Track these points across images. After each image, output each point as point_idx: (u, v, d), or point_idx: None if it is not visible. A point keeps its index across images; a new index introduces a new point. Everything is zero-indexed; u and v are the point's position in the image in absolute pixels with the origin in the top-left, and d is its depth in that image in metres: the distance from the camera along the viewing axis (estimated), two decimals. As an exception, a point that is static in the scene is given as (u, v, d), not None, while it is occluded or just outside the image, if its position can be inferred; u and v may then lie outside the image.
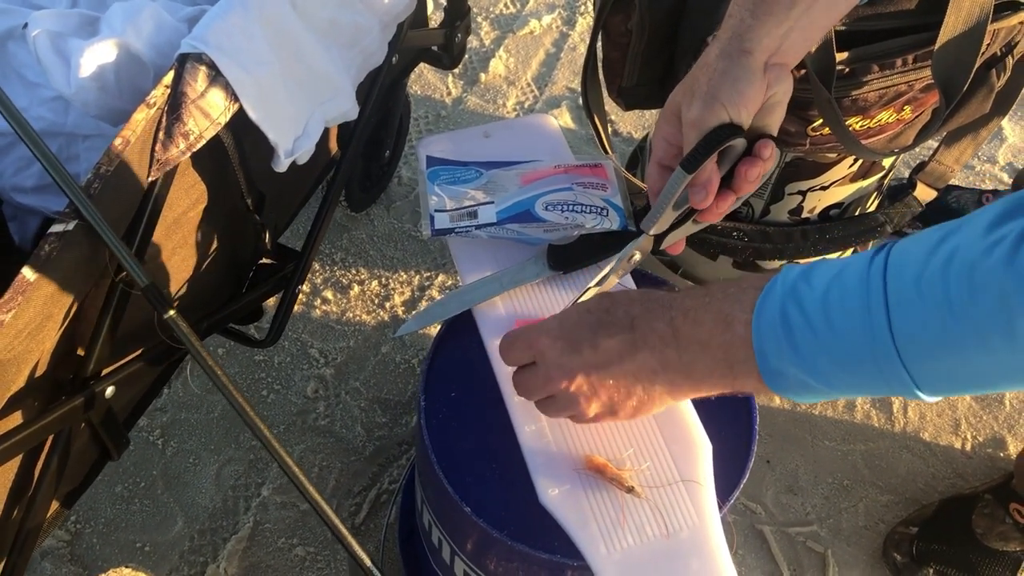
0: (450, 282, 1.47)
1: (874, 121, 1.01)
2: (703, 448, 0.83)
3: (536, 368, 0.73)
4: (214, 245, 0.92)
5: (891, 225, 1.25)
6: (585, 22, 1.83)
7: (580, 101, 1.70)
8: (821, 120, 0.98)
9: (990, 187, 1.60)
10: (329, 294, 1.43)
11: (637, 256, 0.82)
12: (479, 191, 0.96)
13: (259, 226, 0.94)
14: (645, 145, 1.44)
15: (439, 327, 0.91)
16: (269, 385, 1.34)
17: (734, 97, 0.74)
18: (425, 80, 1.72)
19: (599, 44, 1.09)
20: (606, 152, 1.16)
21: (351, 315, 1.42)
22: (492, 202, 0.94)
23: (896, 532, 1.26)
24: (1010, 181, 1.62)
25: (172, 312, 0.74)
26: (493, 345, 0.88)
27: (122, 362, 0.82)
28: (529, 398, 0.77)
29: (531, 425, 0.83)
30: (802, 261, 1.32)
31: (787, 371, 0.61)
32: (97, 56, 0.77)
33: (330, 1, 0.87)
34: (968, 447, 1.37)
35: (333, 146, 1.15)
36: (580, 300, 0.81)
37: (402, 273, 1.47)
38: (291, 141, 0.85)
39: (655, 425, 0.84)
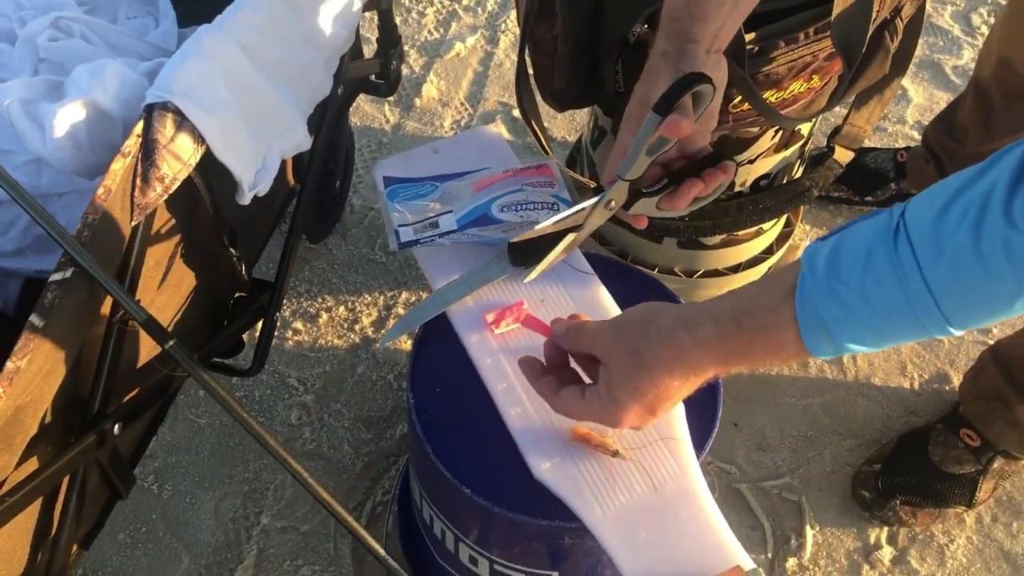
0: (413, 298, 1.53)
1: (787, 92, 1.10)
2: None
3: (591, 400, 0.79)
4: (195, 281, 0.97)
5: (817, 188, 1.34)
6: (507, 40, 1.91)
7: (513, 114, 1.79)
8: (740, 97, 1.07)
9: (902, 145, 1.72)
10: (299, 324, 1.48)
11: (614, 204, 0.88)
12: (437, 203, 1.02)
13: (235, 259, 0.99)
14: (580, 146, 1.52)
15: (416, 332, 0.97)
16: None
17: (695, 66, 0.84)
18: (363, 111, 1.78)
19: (527, 54, 1.16)
20: (547, 153, 1.24)
21: (323, 341, 1.47)
22: (451, 211, 1.00)
23: (861, 472, 1.35)
24: (920, 137, 1.73)
25: (172, 342, 0.79)
26: (470, 340, 0.94)
27: (125, 399, 0.87)
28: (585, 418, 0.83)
29: (515, 408, 0.90)
30: (740, 234, 1.41)
31: (839, 351, 0.69)
32: (69, 116, 0.82)
33: (275, 43, 0.93)
34: (916, 385, 1.46)
35: (290, 178, 1.21)
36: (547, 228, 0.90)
37: (366, 296, 1.53)
38: (252, 175, 0.91)
39: (629, 392, 0.91)
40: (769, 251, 1.52)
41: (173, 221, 0.90)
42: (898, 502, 1.30)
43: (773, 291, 0.72)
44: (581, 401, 0.81)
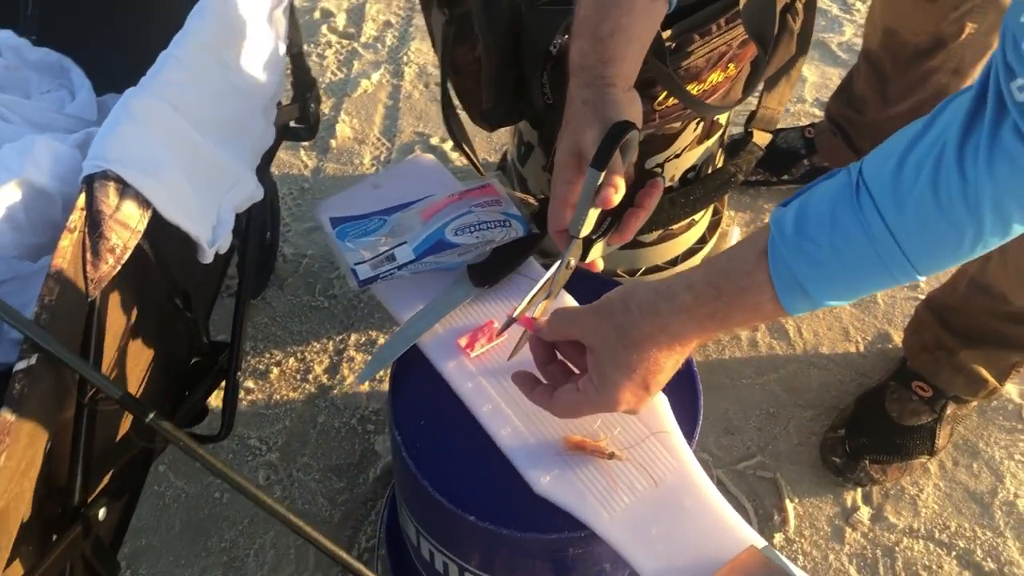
0: (363, 339, 1.51)
1: (707, 84, 1.14)
2: (660, 400, 0.91)
3: (586, 388, 0.80)
4: (155, 351, 0.94)
5: (741, 173, 1.38)
6: (411, 71, 1.92)
7: (431, 142, 1.79)
8: (665, 93, 1.10)
9: (807, 122, 1.78)
10: (251, 383, 1.44)
11: (573, 262, 0.89)
12: (389, 236, 1.01)
13: (191, 323, 0.97)
14: (507, 164, 1.53)
15: (390, 368, 0.96)
16: (219, 487, 1.34)
17: (619, 111, 0.86)
18: (280, 159, 1.76)
19: (449, 79, 1.17)
20: (481, 175, 1.24)
21: (278, 397, 1.43)
22: (405, 242, 1.00)
23: (828, 439, 1.39)
24: (822, 113, 1.80)
25: (152, 415, 0.76)
26: (446, 367, 0.94)
27: (105, 482, 0.83)
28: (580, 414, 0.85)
29: (504, 428, 0.89)
30: (675, 227, 1.45)
31: (815, 307, 0.72)
32: (4, 198, 0.78)
33: (207, 98, 0.92)
34: (861, 348, 1.52)
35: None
36: (524, 309, 0.88)
37: (315, 343, 1.50)
38: (209, 231, 0.88)
39: (612, 394, 0.91)
40: (703, 240, 1.55)
41: (127, 291, 0.87)
42: (867, 462, 1.34)
43: (746, 256, 0.75)
44: (576, 394, 0.82)
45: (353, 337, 1.51)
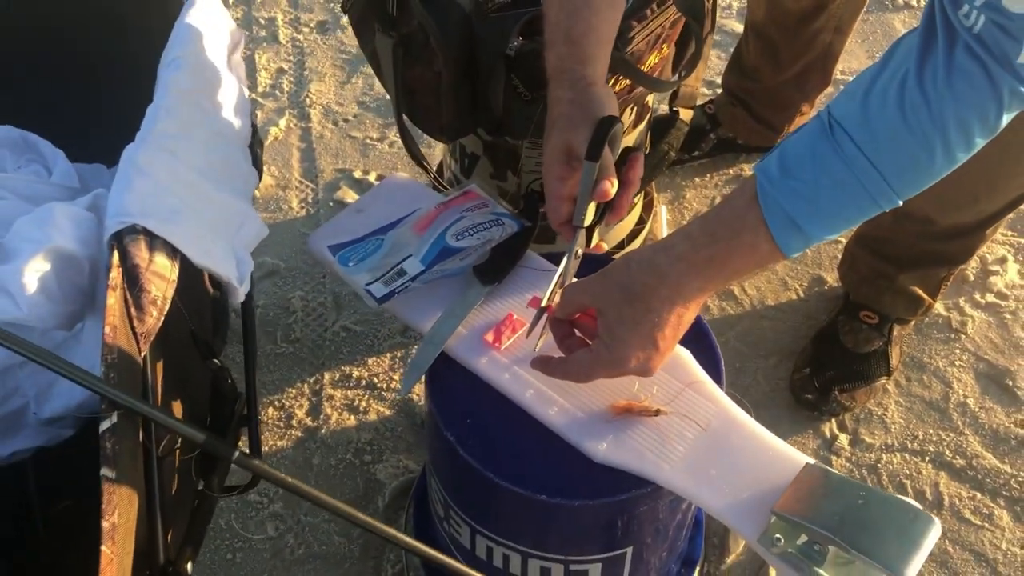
0: (337, 375, 1.50)
1: (647, 66, 1.21)
2: (684, 354, 0.97)
3: (597, 348, 0.85)
4: (187, 400, 0.93)
5: (673, 151, 1.47)
6: (316, 112, 1.93)
7: (354, 176, 1.80)
8: (614, 79, 1.17)
9: (703, 100, 1.90)
10: (236, 440, 1.41)
11: (580, 251, 0.94)
12: (390, 253, 1.03)
13: (220, 370, 0.96)
14: (441, 181, 1.57)
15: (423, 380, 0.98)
16: (230, 546, 1.30)
17: (603, 108, 0.92)
18: (204, 219, 1.73)
19: (404, 100, 1.20)
20: (444, 188, 1.28)
21: (267, 448, 1.41)
22: (410, 255, 1.02)
23: (796, 380, 1.49)
24: (712, 93, 1.93)
25: (237, 453, 0.76)
26: (479, 364, 0.97)
27: (187, 533, 0.82)
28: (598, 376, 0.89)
29: (551, 408, 0.93)
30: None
31: (808, 243, 0.79)
32: (36, 270, 0.77)
33: (198, 145, 0.92)
34: (801, 294, 1.63)
35: (208, 287, 1.17)
36: (548, 299, 0.92)
37: (289, 389, 1.48)
38: (235, 270, 0.89)
39: (640, 357, 0.96)
40: (641, 222, 1.64)
41: (162, 343, 0.86)
42: (836, 392, 1.44)
43: (736, 203, 0.82)
44: (589, 355, 0.87)
45: (327, 376, 1.50)
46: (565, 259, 0.94)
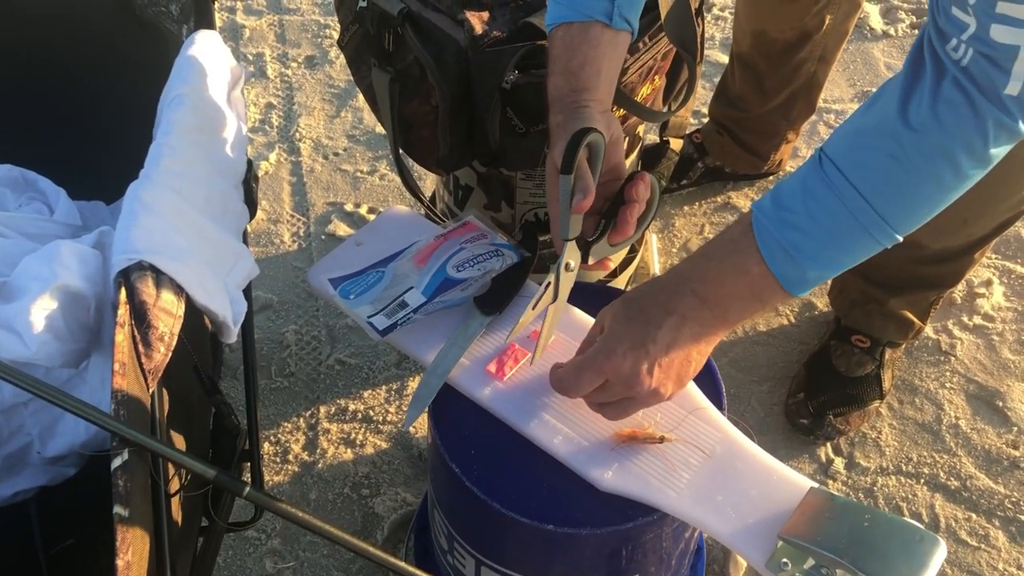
0: (332, 409, 1.50)
1: (639, 97, 1.23)
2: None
3: (612, 386, 0.85)
4: (191, 436, 0.92)
5: (664, 180, 1.49)
6: (306, 146, 1.94)
7: (346, 209, 1.81)
8: (614, 109, 1.18)
9: (691, 129, 1.93)
10: (233, 476, 1.41)
11: (573, 264, 0.95)
12: (392, 286, 1.04)
13: (223, 405, 0.95)
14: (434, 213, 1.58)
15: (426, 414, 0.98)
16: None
17: (586, 122, 0.94)
18: (196, 254, 1.73)
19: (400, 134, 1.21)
20: (441, 220, 1.29)
21: (264, 483, 1.40)
22: (412, 287, 1.03)
23: (791, 405, 1.50)
24: (698, 122, 1.96)
25: (248, 488, 0.75)
26: (483, 395, 0.97)
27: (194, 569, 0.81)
28: (620, 417, 0.89)
29: (556, 437, 0.93)
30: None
31: (806, 276, 0.80)
32: (43, 308, 0.77)
33: (199, 181, 0.93)
34: (793, 320, 1.65)
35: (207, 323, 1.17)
36: (535, 303, 0.94)
37: (285, 424, 1.48)
38: (229, 310, 0.89)
39: (643, 385, 0.97)
40: (632, 251, 1.65)
41: (168, 379, 0.86)
42: (831, 416, 1.46)
43: (733, 229, 0.84)
44: (579, 357, 0.88)
45: (323, 410, 1.50)
46: (553, 270, 0.95)
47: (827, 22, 1.54)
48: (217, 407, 0.96)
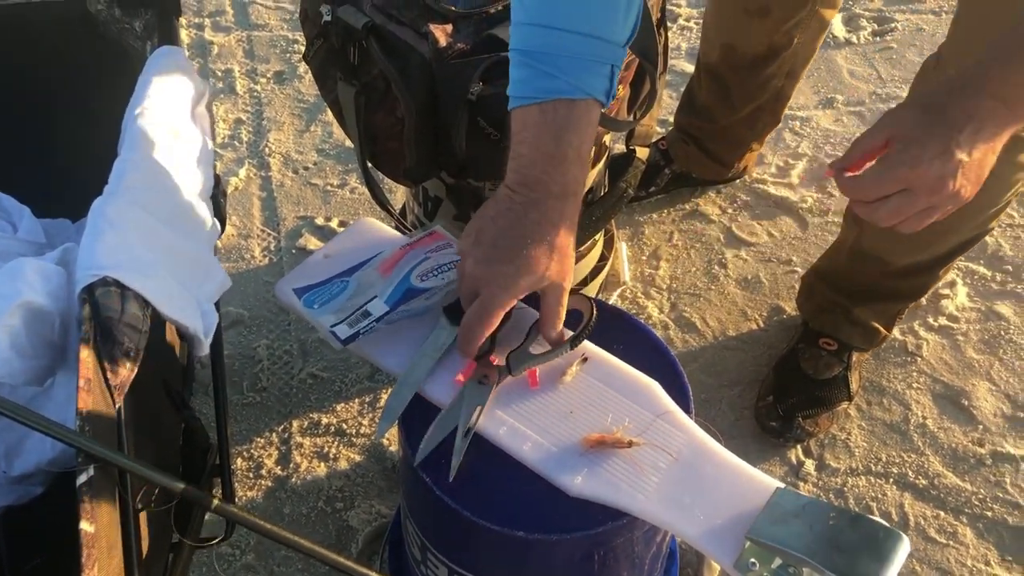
0: (305, 423, 1.50)
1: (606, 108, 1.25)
2: (654, 386, 0.99)
3: (915, 196, 0.82)
4: (160, 452, 0.92)
5: (631, 188, 1.51)
6: (276, 161, 1.94)
7: (316, 223, 1.81)
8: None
9: (656, 137, 1.95)
10: (205, 492, 1.40)
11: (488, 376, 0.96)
12: (355, 295, 1.04)
13: (193, 420, 0.95)
14: (408, 225, 1.59)
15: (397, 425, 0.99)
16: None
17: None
18: (166, 270, 1.72)
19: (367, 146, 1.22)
20: (410, 231, 1.29)
21: (237, 498, 1.39)
22: (375, 296, 1.03)
23: (760, 408, 1.51)
24: (664, 130, 1.98)
25: (216, 501, 0.75)
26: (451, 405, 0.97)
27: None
28: (917, 228, 0.86)
29: (525, 444, 0.94)
30: (582, 249, 1.54)
31: None
32: (6, 326, 0.77)
33: (165, 197, 0.93)
34: (762, 324, 1.67)
35: (174, 339, 1.17)
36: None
37: (258, 439, 1.47)
38: (200, 323, 0.89)
39: (611, 392, 0.98)
40: (603, 259, 1.66)
41: (135, 394, 0.86)
42: (800, 419, 1.47)
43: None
44: (881, 162, 0.83)
45: (295, 424, 1.50)
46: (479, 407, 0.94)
47: (796, 40, 1.57)
48: (187, 422, 0.96)
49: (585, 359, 1.01)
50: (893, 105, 1.33)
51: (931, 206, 0.84)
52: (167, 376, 0.95)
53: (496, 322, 0.91)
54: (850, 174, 0.86)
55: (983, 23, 1.09)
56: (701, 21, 1.78)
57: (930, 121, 0.82)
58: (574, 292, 1.03)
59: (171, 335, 1.17)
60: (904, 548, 0.82)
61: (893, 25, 2.26)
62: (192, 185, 1.00)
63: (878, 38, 2.25)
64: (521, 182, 0.89)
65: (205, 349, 0.89)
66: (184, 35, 2.25)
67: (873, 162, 0.86)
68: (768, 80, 1.63)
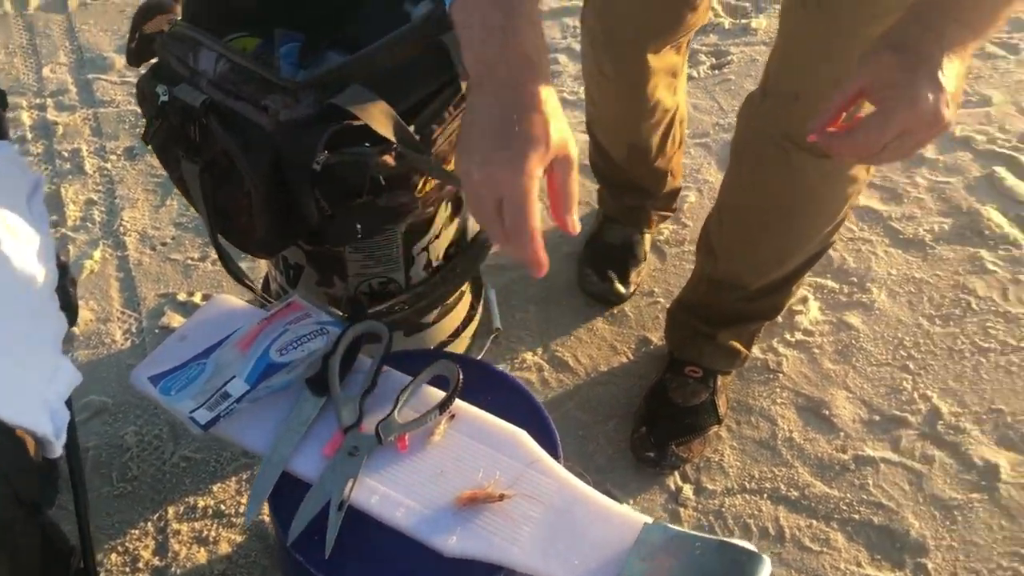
0: (181, 509, 1.45)
1: (452, 164, 1.27)
2: (520, 435, 1.01)
3: (915, 133, 0.84)
4: (22, 563, 0.88)
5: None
6: (132, 239, 1.89)
7: (178, 299, 1.77)
8: (423, 180, 1.22)
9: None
10: None
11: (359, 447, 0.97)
12: (213, 377, 1.03)
13: (50, 526, 0.91)
14: (270, 293, 1.57)
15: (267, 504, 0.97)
16: None
17: None
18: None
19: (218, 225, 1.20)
20: (270, 302, 1.28)
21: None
22: (234, 376, 1.02)
23: (635, 440, 1.55)
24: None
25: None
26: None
27: None
28: (910, 156, 0.89)
29: (397, 510, 0.94)
30: (449, 301, 1.56)
31: None
32: None
33: (2, 300, 0.89)
34: (631, 356, 1.71)
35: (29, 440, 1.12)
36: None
37: (132, 531, 1.42)
38: (49, 424, 0.86)
39: (480, 446, 0.99)
40: (472, 308, 1.68)
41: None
42: (673, 447, 1.52)
43: None
44: (875, 114, 0.85)
45: (171, 510, 1.45)
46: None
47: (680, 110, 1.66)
48: (43, 528, 0.92)
49: (452, 416, 1.02)
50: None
51: (925, 138, 0.87)
52: (18, 483, 0.90)
53: (534, 207, 0.81)
54: (832, 129, 0.89)
55: (803, 51, 1.18)
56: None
57: (908, 61, 0.84)
58: (439, 355, 1.05)
59: (22, 436, 1.12)
60: (766, 569, 0.86)
61: (729, 58, 2.39)
62: (32, 281, 0.96)
63: (716, 71, 2.37)
64: (482, 70, 0.85)
65: (58, 450, 0.86)
66: (25, 117, 2.18)
67: (846, 113, 0.89)
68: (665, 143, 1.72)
